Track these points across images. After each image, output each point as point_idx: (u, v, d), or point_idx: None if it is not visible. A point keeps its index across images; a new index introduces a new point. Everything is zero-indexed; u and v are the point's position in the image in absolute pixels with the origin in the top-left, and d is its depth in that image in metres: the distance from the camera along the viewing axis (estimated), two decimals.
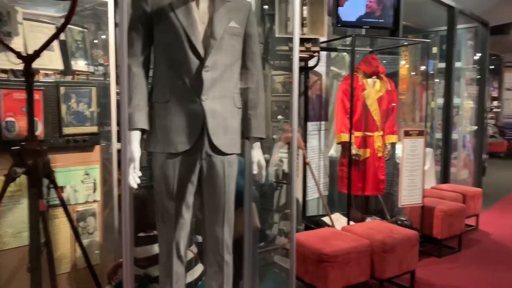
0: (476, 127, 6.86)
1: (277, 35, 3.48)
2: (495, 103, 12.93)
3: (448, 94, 5.51)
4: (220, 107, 1.88)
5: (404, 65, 8.62)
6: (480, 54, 6.79)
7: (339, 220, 3.85)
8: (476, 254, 4.10)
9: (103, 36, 3.36)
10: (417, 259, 3.26)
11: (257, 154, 2.06)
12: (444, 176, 5.47)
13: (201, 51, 1.83)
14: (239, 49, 1.97)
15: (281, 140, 3.75)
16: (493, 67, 17.33)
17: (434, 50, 7.52)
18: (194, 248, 2.48)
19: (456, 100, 7.75)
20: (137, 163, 1.76)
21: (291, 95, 1.94)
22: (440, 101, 6.65)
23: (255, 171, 2.05)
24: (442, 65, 7.40)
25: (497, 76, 13.42)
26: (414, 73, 8.29)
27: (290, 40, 3.52)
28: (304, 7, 3.57)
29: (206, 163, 1.92)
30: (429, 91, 7.77)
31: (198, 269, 2.43)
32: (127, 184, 1.48)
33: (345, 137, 3.83)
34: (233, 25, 1.91)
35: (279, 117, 3.96)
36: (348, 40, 4.37)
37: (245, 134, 2.05)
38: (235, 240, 2.13)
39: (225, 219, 1.97)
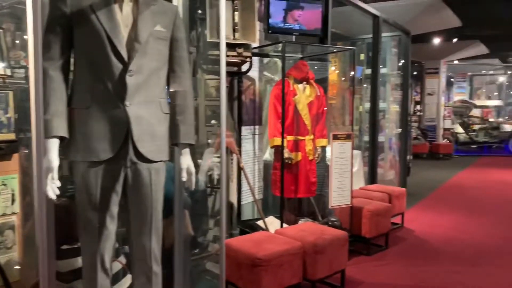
0: (401, 129, 7.26)
1: (208, 40, 3.47)
2: (418, 107, 13.80)
3: (374, 99, 5.78)
4: (146, 113, 1.83)
5: (334, 71, 8.97)
6: (403, 61, 7.20)
7: (273, 223, 3.89)
8: (402, 251, 4.32)
9: (25, 37, 3.16)
10: (346, 259, 3.37)
11: (186, 160, 2.03)
12: (372, 177, 5.73)
13: (124, 55, 1.77)
14: (165, 53, 1.93)
15: (215, 145, 3.73)
16: (416, 73, 18.49)
17: (362, 56, 7.89)
18: (122, 259, 2.39)
19: (382, 105, 8.15)
20: (55, 173, 1.66)
21: (220, 99, 1.93)
22: (368, 105, 6.97)
23: (184, 178, 2.02)
24: (370, 71, 7.75)
25: (419, 82, 14.32)
26: (343, 78, 8.65)
27: None
28: (236, 13, 3.58)
29: (131, 172, 1.85)
30: (357, 96, 8.14)
31: (127, 280, 2.34)
32: (43, 195, 1.39)
33: (277, 141, 3.89)
34: (159, 29, 1.87)
35: (213, 121, 3.94)
36: (280, 46, 4.45)
37: (174, 140, 2.01)
38: (167, 249, 2.08)
39: (152, 228, 1.91)
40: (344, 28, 8.02)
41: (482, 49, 12.86)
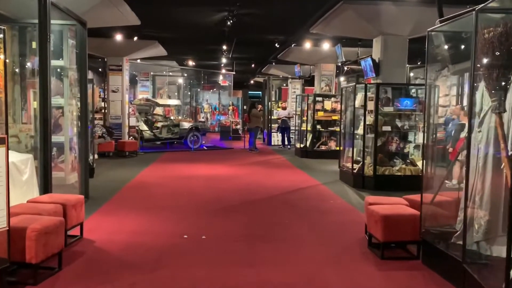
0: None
1: None
2: (103, 104, 13.40)
3: (44, 93, 4.95)
4: None
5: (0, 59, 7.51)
6: (80, 54, 6.58)
7: None
8: (78, 270, 3.76)
9: None
10: None
11: None
12: (45, 185, 4.90)
13: None
14: None
15: None
16: (100, 69, 18.05)
17: (34, 44, 6.82)
18: None
19: (60, 100, 7.33)
20: None
21: None
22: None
23: None
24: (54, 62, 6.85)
25: (105, 78, 13.93)
26: (17, 69, 7.37)
27: None
28: None
29: None
30: (34, 90, 7.05)
31: None
32: None
33: None
34: None
35: None
36: None
37: None
38: None
39: None
40: (9, 8, 6.76)
41: (161, 50, 13.59)
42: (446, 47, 4.36)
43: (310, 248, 4.53)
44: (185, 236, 4.71)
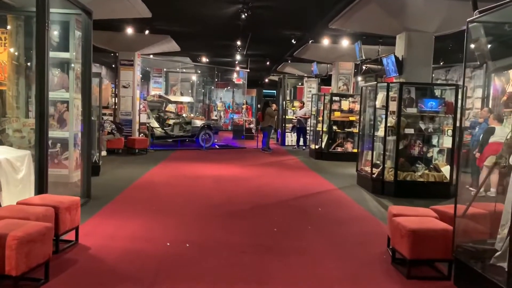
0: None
1: None
2: (113, 100, 13.08)
3: (41, 87, 4.58)
4: None
5: (5, 49, 7.27)
6: (85, 45, 6.21)
7: None
8: (67, 281, 3.37)
9: None
10: None
11: None
12: (40, 185, 4.54)
13: None
14: None
15: None
16: (114, 65, 17.77)
17: None
18: None
19: (65, 95, 7.02)
20: None
21: None
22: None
23: None
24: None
25: (117, 73, 13.60)
26: (23, 61, 7.11)
27: None
28: None
29: None
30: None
31: None
32: None
33: None
34: None
35: None
36: None
37: None
38: None
39: None
40: None
41: (173, 45, 13.21)
42: (485, 41, 3.86)
43: (325, 262, 4.07)
44: (168, 244, 4.33)
